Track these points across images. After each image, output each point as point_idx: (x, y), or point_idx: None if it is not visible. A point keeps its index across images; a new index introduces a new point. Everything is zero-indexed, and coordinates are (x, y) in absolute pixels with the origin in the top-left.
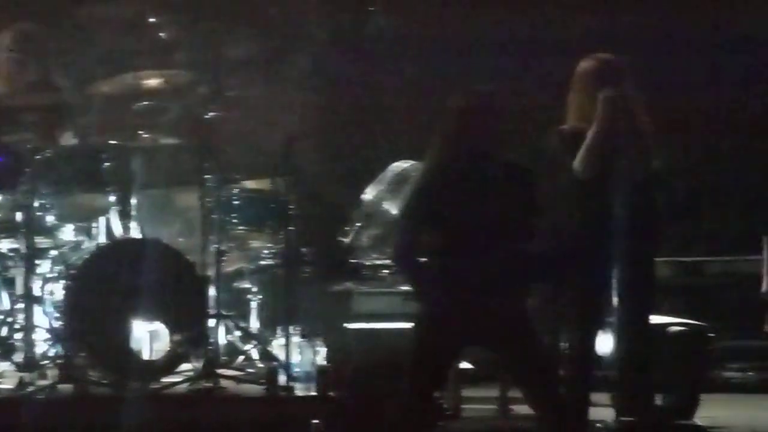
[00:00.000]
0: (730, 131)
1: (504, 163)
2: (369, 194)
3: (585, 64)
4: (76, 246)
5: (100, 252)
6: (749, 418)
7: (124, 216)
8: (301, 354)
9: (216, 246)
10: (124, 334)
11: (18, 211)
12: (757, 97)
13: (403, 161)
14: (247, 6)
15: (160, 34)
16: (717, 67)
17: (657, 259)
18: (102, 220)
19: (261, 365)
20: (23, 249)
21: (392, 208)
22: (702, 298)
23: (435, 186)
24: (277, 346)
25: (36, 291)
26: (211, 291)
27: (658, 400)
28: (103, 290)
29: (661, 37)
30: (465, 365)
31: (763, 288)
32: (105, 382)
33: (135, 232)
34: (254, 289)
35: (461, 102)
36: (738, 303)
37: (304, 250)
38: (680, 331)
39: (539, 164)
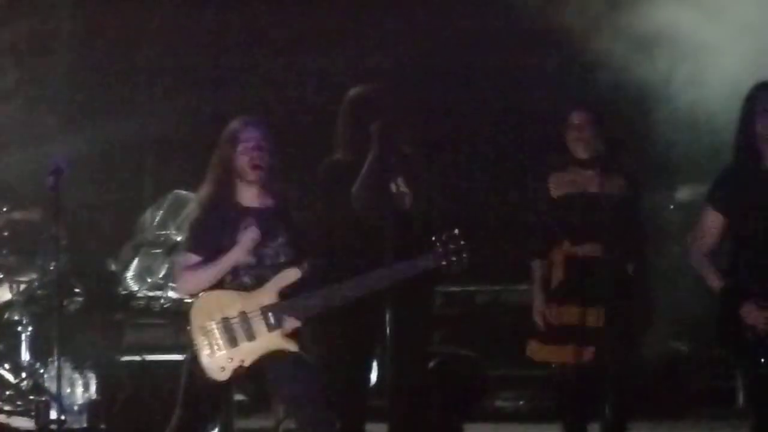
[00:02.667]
0: (494, 157)
1: (270, 192)
2: (143, 223)
3: (353, 94)
4: None
5: None
6: None
7: None
8: (72, 386)
9: None
10: None
11: None
12: (528, 124)
13: (181, 190)
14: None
15: None
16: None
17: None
18: None
19: (32, 398)
20: None
21: (170, 236)
22: (472, 327)
23: (208, 218)
24: (48, 379)
25: None
26: None
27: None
28: None
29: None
30: (238, 396)
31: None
32: None
33: None
34: (25, 321)
35: (226, 134)
36: (508, 332)
37: (73, 280)
38: (451, 360)
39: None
